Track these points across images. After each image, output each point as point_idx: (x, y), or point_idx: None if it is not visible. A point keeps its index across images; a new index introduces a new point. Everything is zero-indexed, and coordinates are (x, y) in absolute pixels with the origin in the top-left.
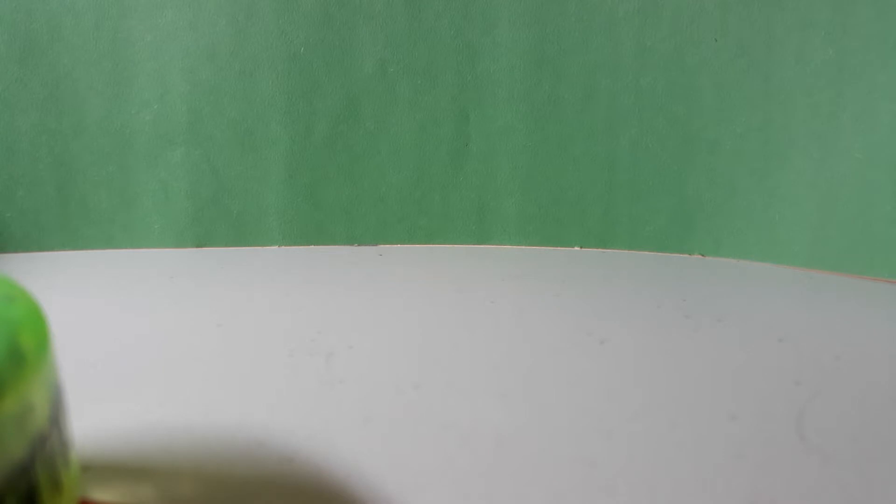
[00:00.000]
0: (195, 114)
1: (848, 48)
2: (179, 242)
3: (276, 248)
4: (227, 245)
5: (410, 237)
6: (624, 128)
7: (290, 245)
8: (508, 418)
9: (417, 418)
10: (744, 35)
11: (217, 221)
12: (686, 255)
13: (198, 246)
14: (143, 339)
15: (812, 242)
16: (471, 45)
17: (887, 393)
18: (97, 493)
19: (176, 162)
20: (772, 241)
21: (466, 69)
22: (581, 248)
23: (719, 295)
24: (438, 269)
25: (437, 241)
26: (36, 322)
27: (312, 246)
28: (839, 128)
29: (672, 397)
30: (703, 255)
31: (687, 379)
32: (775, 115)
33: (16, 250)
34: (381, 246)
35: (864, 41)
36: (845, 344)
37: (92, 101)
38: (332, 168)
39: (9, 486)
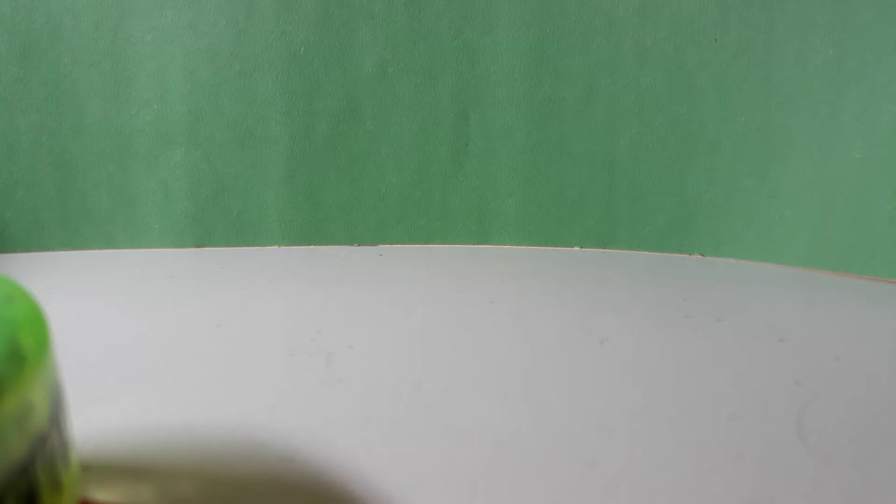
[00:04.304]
0: (195, 114)
1: (848, 48)
2: (179, 242)
3: (276, 248)
4: (227, 245)
5: (410, 237)
6: (624, 128)
7: (290, 245)
8: (508, 418)
9: (417, 418)
10: (744, 35)
11: (217, 221)
12: (686, 255)
13: (198, 246)
14: (143, 339)
15: (812, 242)
16: (471, 45)
17: (887, 393)
18: (97, 493)
19: (176, 162)
20: (772, 241)
21: (466, 69)
22: (581, 248)
23: (719, 295)
24: (438, 269)
25: (437, 241)
26: (36, 322)
27: (312, 246)
28: (839, 128)
29: (672, 397)
30: (703, 255)
31: (687, 379)
32: (775, 115)
33: (16, 250)
34: (381, 246)
35: (864, 41)
36: (845, 344)
37: (92, 101)
38: (332, 168)
39: (9, 486)
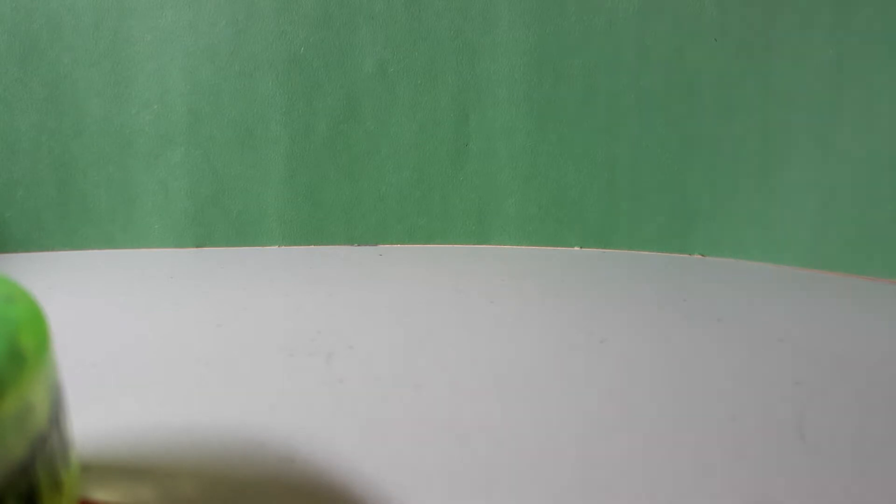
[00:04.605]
0: (195, 114)
1: (848, 48)
2: (179, 242)
3: (276, 248)
4: (227, 245)
5: (410, 237)
6: (624, 128)
7: (290, 245)
8: (508, 418)
9: (417, 418)
10: (744, 35)
11: (217, 221)
12: (686, 255)
13: (198, 246)
14: (143, 339)
15: (812, 242)
16: (471, 45)
17: (887, 393)
18: (97, 493)
19: (176, 162)
20: (772, 241)
21: (466, 69)
22: (581, 248)
23: (719, 295)
24: (438, 269)
25: (437, 241)
26: (36, 322)
27: (312, 246)
28: (839, 128)
29: (672, 397)
30: (703, 255)
31: (687, 379)
32: (775, 115)
33: (16, 250)
34: (381, 246)
35: (864, 41)
36: (845, 344)
37: (92, 101)
38: (332, 168)
39: (9, 486)
